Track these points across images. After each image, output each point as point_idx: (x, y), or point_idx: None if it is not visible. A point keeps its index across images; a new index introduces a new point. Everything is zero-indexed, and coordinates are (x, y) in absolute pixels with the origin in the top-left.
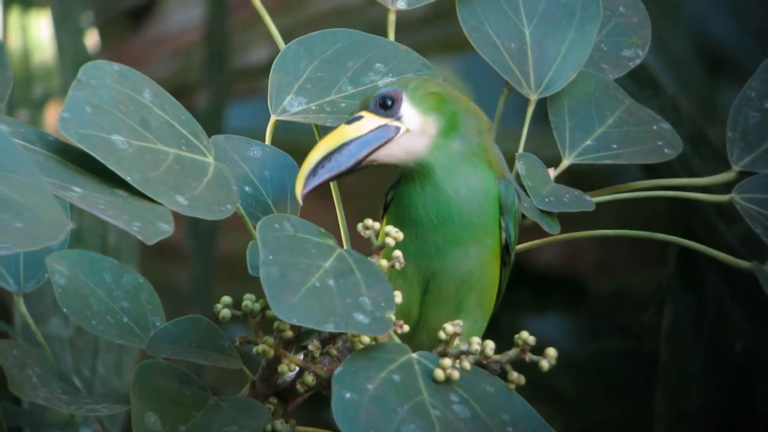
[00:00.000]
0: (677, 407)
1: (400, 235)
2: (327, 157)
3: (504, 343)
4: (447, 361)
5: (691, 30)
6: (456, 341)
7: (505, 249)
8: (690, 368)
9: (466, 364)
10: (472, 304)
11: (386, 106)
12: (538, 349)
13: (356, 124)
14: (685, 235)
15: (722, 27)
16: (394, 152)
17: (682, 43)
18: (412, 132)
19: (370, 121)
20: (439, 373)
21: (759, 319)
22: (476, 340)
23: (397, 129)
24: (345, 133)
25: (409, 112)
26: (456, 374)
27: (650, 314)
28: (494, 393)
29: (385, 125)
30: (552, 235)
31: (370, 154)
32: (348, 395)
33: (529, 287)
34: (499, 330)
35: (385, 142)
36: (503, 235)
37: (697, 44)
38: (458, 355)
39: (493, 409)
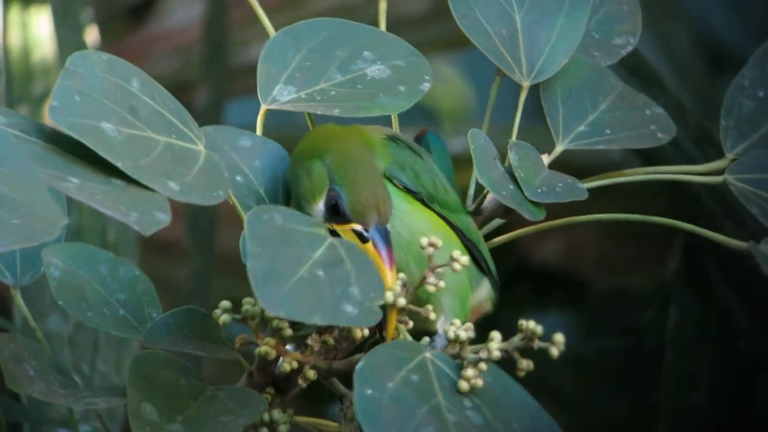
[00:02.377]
0: (682, 406)
1: (466, 259)
2: None
3: (505, 339)
4: (470, 372)
5: (694, 29)
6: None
7: (412, 192)
8: (695, 368)
9: (483, 366)
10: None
11: (336, 212)
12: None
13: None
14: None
15: (725, 25)
16: None
17: (685, 42)
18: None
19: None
20: (464, 385)
21: (763, 317)
22: (495, 345)
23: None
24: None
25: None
26: (480, 382)
27: (652, 312)
28: (491, 383)
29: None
30: (545, 221)
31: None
32: (369, 392)
33: (529, 284)
34: (499, 327)
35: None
36: (397, 182)
37: (701, 43)
38: (477, 362)
39: (504, 416)
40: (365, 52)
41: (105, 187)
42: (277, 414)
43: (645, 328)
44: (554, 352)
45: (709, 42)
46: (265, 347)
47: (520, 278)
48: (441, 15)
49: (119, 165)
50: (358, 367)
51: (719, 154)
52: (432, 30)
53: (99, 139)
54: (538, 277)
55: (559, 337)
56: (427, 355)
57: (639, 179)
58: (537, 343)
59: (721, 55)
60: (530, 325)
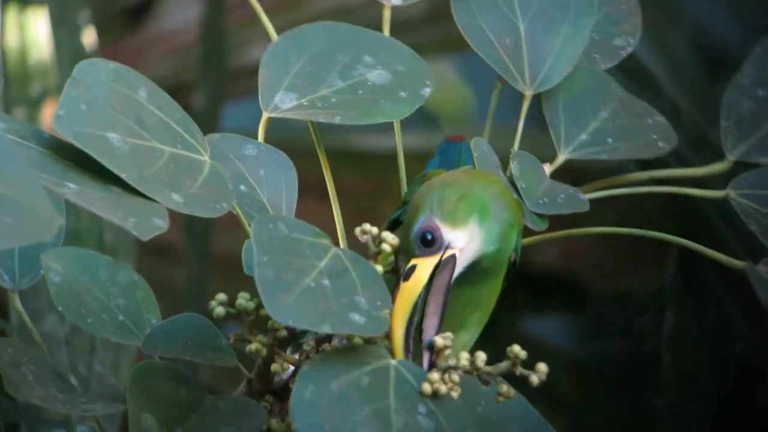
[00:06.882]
0: (679, 410)
1: (396, 241)
2: (410, 321)
3: (504, 343)
4: (435, 375)
5: (692, 31)
6: (446, 353)
7: (512, 265)
8: (692, 371)
9: (455, 377)
10: (474, 320)
11: (428, 242)
12: (538, 351)
13: (413, 277)
14: (683, 234)
15: (723, 28)
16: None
17: (682, 44)
18: (465, 248)
19: (424, 268)
20: (426, 387)
21: (761, 321)
22: (465, 355)
23: (452, 257)
24: (410, 292)
25: (451, 235)
26: (444, 389)
27: (651, 315)
28: (461, 404)
29: (440, 263)
30: (545, 233)
31: (447, 295)
32: (309, 392)
33: (528, 288)
34: (498, 331)
35: (451, 276)
36: (513, 255)
37: (698, 45)
38: (447, 370)
39: (460, 424)
40: (366, 57)
41: (103, 193)
42: (275, 424)
43: (644, 331)
44: (534, 379)
45: (706, 43)
46: (256, 344)
47: (518, 281)
48: (440, 17)
49: (124, 176)
50: (302, 369)
51: (715, 156)
52: (431, 32)
53: (104, 149)
54: (537, 281)
55: (542, 367)
56: (392, 362)
57: (641, 191)
58: (519, 370)
59: (719, 55)
60: (514, 349)
